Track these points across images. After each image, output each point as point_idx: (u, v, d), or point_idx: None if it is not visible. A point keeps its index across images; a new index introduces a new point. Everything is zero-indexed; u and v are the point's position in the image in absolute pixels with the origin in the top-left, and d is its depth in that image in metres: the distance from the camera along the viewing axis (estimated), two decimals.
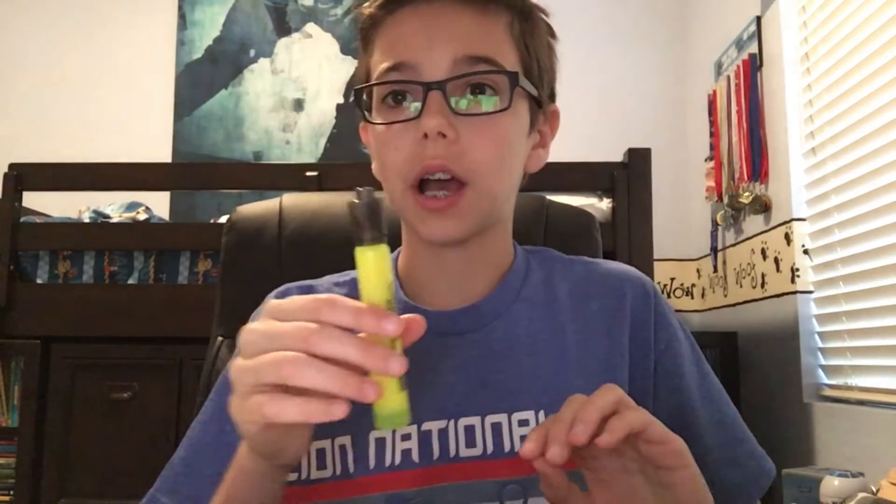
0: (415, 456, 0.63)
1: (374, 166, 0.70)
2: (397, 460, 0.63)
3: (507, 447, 0.63)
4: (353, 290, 0.71)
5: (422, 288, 0.71)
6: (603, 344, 0.69)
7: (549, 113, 0.74)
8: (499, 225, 0.71)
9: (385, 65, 0.65)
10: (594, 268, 0.75)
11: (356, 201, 0.45)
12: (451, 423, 0.64)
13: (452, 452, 0.63)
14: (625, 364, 0.68)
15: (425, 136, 0.62)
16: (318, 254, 0.75)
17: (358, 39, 0.71)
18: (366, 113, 0.68)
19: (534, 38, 0.69)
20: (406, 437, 0.64)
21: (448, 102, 0.62)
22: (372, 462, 0.63)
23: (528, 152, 0.72)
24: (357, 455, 0.64)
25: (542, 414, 0.64)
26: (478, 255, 0.69)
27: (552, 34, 0.73)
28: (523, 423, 0.64)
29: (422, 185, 0.64)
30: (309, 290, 0.73)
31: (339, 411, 0.42)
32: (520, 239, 0.77)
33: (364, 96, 0.68)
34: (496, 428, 0.64)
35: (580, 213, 0.99)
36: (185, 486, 0.65)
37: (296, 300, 0.45)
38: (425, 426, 0.64)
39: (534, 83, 0.68)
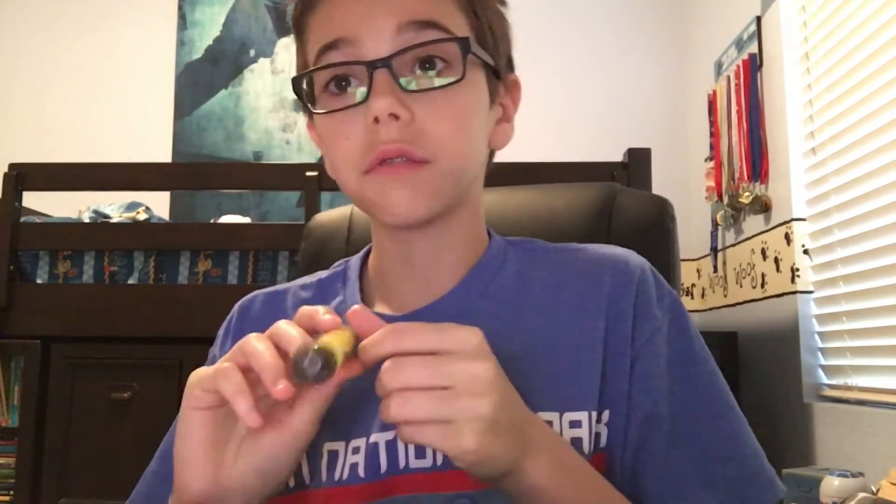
0: (361, 470, 0.59)
1: (326, 164, 0.65)
2: (345, 474, 0.59)
3: None
4: (317, 291, 0.71)
5: (389, 287, 0.67)
6: (573, 341, 0.61)
7: (510, 83, 0.68)
8: (464, 207, 0.65)
9: (321, 44, 0.59)
10: (579, 255, 0.67)
11: (301, 368, 0.46)
12: None
13: (402, 464, 0.59)
14: (596, 363, 0.60)
15: (376, 120, 0.56)
16: None
17: (293, 32, 0.64)
18: (308, 105, 0.62)
19: (483, 4, 0.63)
20: (356, 451, 0.60)
21: (396, 80, 0.57)
22: (324, 475, 0.60)
23: (492, 127, 0.66)
24: (311, 467, 0.61)
25: None
26: (444, 241, 0.64)
27: (502, 0, 0.67)
28: None
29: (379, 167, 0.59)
30: (276, 295, 0.71)
31: (252, 419, 0.47)
32: (580, 232, 0.70)
33: (305, 86, 0.62)
34: None
35: (651, 200, 0.88)
36: (159, 500, 0.63)
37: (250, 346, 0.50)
38: (373, 438, 0.59)
39: (489, 51, 0.62)
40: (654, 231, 0.85)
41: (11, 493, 1.96)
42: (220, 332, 0.72)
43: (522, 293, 0.65)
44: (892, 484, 1.36)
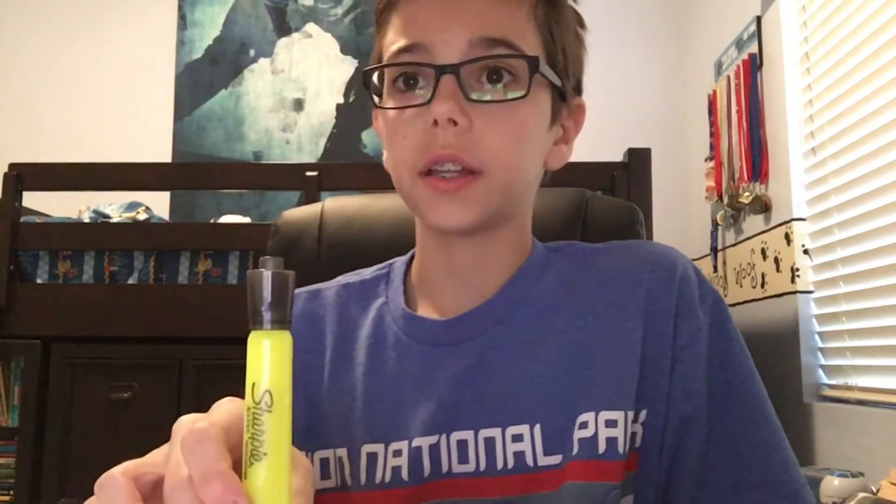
0: (404, 474, 0.60)
1: (384, 158, 0.66)
2: (387, 477, 0.60)
3: (499, 464, 0.59)
4: (361, 291, 0.71)
5: (431, 290, 0.68)
6: (609, 341, 0.61)
7: (574, 107, 0.69)
8: (512, 221, 0.66)
9: (397, 45, 0.61)
10: (619, 253, 0.66)
11: (260, 270, 0.37)
12: (444, 437, 0.60)
13: (445, 468, 0.60)
14: (633, 363, 0.60)
15: (435, 123, 0.58)
16: (358, 254, 0.75)
17: (374, 22, 0.67)
18: (375, 97, 0.64)
19: (559, 25, 0.64)
20: (397, 454, 0.60)
21: (462, 88, 0.58)
22: (363, 478, 0.61)
23: (549, 147, 0.67)
24: (352, 469, 0.62)
25: (537, 428, 0.59)
26: (488, 251, 0.65)
27: (581, 23, 0.69)
28: (517, 437, 0.59)
29: (430, 175, 0.60)
30: (316, 294, 0.71)
31: None
32: (554, 236, 0.72)
33: (375, 80, 0.64)
34: (489, 443, 0.59)
35: (623, 207, 0.94)
36: None
37: (180, 435, 0.39)
38: (416, 442, 0.60)
39: (557, 73, 0.64)
40: (626, 236, 0.87)
41: (11, 493, 1.96)
42: None
43: (562, 297, 0.65)
44: (892, 484, 1.36)
